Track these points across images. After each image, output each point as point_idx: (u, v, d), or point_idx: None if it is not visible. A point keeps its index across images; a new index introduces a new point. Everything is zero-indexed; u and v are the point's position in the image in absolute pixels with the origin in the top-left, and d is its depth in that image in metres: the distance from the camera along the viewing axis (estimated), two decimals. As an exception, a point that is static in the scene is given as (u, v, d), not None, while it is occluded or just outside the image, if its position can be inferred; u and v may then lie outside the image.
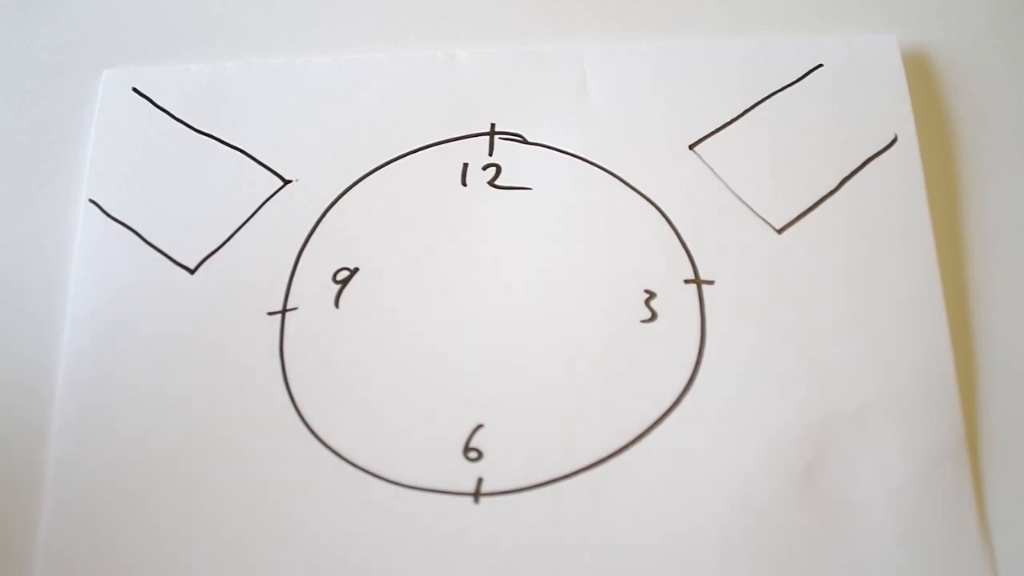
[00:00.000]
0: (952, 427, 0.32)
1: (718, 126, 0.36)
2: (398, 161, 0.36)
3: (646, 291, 0.34)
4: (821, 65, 0.37)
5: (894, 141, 0.35)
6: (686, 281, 0.34)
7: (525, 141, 0.37)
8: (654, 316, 0.34)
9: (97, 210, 0.36)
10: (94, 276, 0.35)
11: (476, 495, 0.32)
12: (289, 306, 0.34)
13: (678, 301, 0.34)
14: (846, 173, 0.35)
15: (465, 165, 0.36)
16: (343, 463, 0.32)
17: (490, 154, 0.36)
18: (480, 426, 0.33)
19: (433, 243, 0.35)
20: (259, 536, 0.32)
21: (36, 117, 0.38)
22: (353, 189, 0.36)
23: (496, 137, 0.37)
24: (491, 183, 0.36)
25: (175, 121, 0.37)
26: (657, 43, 0.38)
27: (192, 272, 0.35)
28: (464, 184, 0.36)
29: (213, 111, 0.37)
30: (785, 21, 0.39)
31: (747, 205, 0.35)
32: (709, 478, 0.31)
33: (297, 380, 0.33)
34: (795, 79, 0.37)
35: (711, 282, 0.34)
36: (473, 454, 0.32)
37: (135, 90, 0.38)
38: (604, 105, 0.37)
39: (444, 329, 0.34)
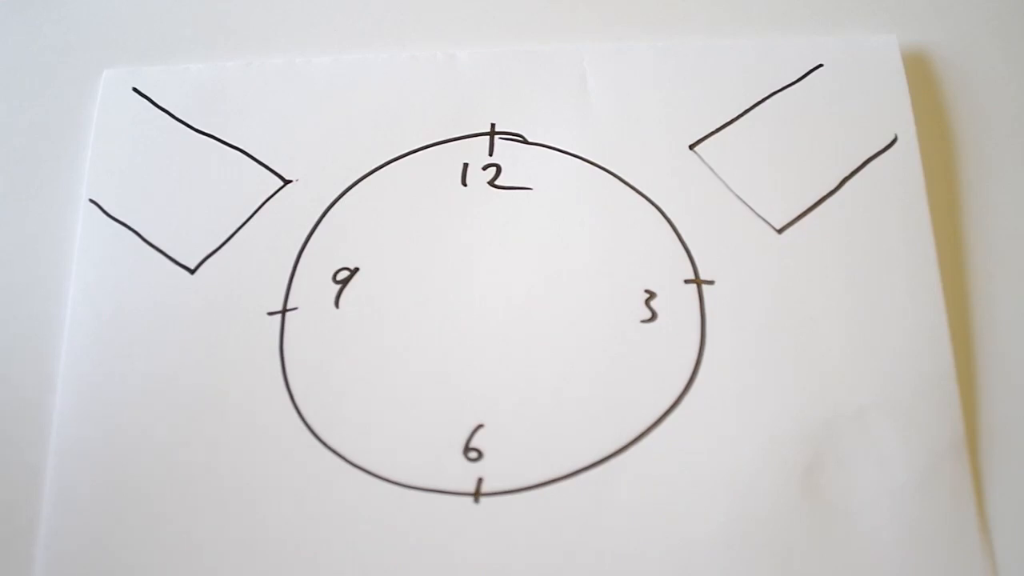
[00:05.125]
0: (952, 427, 0.32)
1: (718, 126, 0.36)
2: (398, 161, 0.36)
3: (646, 291, 0.34)
4: (821, 65, 0.37)
5: (894, 141, 0.35)
6: (686, 281, 0.34)
7: (525, 141, 0.37)
8: (654, 316, 0.34)
9: (97, 210, 0.36)
10: (94, 276, 0.35)
11: (476, 495, 0.32)
12: (289, 306, 0.34)
13: (678, 301, 0.34)
14: (846, 173, 0.35)
15: (465, 165, 0.36)
16: (343, 463, 0.32)
17: (490, 154, 0.36)
18: (480, 426, 0.33)
19: (433, 243, 0.35)
20: (259, 536, 0.31)
21: (36, 117, 0.38)
22: (353, 189, 0.36)
23: (496, 137, 0.37)
24: (491, 183, 0.36)
25: (175, 121, 0.37)
26: (657, 43, 0.38)
27: (192, 272, 0.35)
28: (464, 184, 0.36)
29: (213, 111, 0.37)
30: (785, 21, 0.39)
31: (747, 205, 0.35)
32: (709, 478, 0.31)
33: (297, 380, 0.33)
34: (795, 79, 0.37)
35: (711, 282, 0.34)
36: (473, 454, 0.32)
37: (135, 90, 0.38)
38: (604, 105, 0.37)
39: (444, 329, 0.34)
